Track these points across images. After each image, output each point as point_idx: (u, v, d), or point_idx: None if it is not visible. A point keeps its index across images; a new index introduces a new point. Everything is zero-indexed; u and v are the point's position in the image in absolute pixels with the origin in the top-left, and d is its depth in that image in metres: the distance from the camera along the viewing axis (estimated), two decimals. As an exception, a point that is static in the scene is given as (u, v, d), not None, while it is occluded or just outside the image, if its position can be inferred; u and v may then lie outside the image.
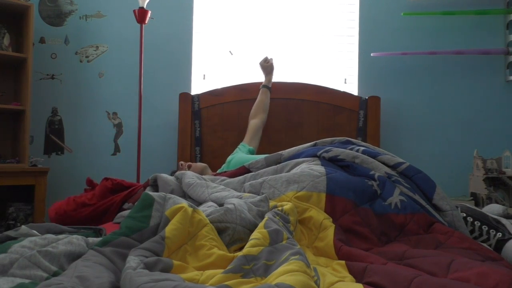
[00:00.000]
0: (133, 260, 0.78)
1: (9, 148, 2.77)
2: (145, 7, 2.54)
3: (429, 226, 1.21)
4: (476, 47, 2.96)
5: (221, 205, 1.20)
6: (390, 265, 0.90)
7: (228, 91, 2.80)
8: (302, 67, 3.02)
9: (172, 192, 1.45)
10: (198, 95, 2.79)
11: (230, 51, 3.00)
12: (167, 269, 0.81)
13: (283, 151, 1.63)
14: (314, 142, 1.65)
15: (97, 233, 1.11)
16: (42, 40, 2.90)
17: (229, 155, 2.37)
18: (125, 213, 1.50)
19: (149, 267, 0.79)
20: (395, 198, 1.25)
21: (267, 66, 2.65)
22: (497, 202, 2.31)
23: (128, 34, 2.93)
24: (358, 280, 0.86)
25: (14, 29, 2.74)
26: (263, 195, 1.23)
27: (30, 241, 0.83)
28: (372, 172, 1.36)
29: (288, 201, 1.22)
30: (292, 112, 2.79)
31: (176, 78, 2.95)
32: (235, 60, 3.01)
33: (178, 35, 2.97)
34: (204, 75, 3.01)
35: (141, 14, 2.53)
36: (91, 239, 0.94)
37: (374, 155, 1.44)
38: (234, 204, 1.09)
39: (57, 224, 1.58)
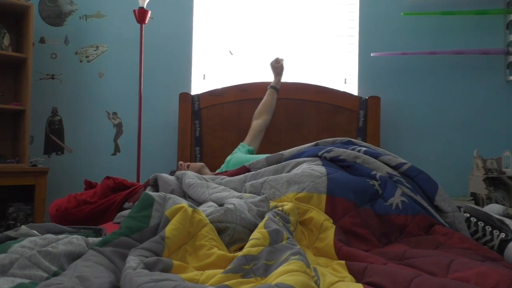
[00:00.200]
0: (133, 260, 0.78)
1: (9, 148, 2.77)
2: (145, 7, 2.54)
3: (429, 227, 1.20)
4: (476, 47, 2.96)
5: (221, 205, 1.20)
6: (390, 265, 0.90)
7: (228, 91, 2.80)
8: (302, 67, 3.02)
9: (172, 192, 1.45)
10: (198, 95, 2.79)
11: (230, 51, 3.00)
12: (167, 269, 0.81)
13: (284, 151, 1.63)
14: (315, 142, 1.65)
15: (97, 233, 1.11)
16: (42, 40, 2.90)
17: (229, 155, 2.37)
18: (125, 213, 1.50)
19: (149, 267, 0.79)
20: (397, 198, 1.25)
21: (277, 67, 2.60)
22: (497, 202, 2.31)
23: (128, 34, 2.93)
24: (358, 280, 0.86)
25: (14, 29, 2.74)
26: (264, 195, 1.23)
27: (30, 241, 0.83)
28: (373, 172, 1.36)
29: (289, 202, 1.22)
30: (292, 112, 2.79)
31: (176, 78, 2.95)
32: (235, 60, 3.01)
33: (178, 35, 2.97)
34: (204, 75, 3.01)
35: (141, 14, 2.53)
36: (91, 239, 0.94)
37: (376, 156, 1.44)
38: (234, 204, 1.09)
39: (57, 221, 1.59)
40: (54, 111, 2.90)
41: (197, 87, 2.99)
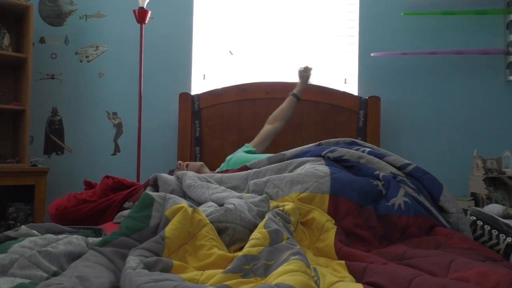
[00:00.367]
0: (133, 260, 0.78)
1: (9, 148, 2.77)
2: (145, 7, 2.54)
3: (430, 229, 1.20)
4: (476, 47, 2.96)
5: (221, 205, 1.20)
6: (390, 265, 0.90)
7: (228, 91, 2.80)
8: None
9: (172, 192, 1.44)
10: (198, 95, 2.79)
11: (230, 51, 3.00)
12: (167, 269, 0.81)
13: (286, 151, 1.62)
14: (318, 142, 1.64)
15: (97, 233, 1.11)
16: (42, 40, 2.90)
17: (229, 155, 2.36)
18: (125, 212, 1.50)
19: (149, 267, 0.79)
20: (399, 199, 1.24)
21: (304, 76, 2.48)
22: (497, 202, 2.31)
23: (128, 34, 2.93)
24: (358, 280, 0.86)
25: (14, 29, 2.74)
26: (264, 195, 1.23)
27: (30, 241, 0.83)
28: (376, 172, 1.35)
29: (291, 202, 1.22)
30: (292, 112, 2.79)
31: (176, 78, 2.95)
32: (235, 60, 3.01)
33: (178, 35, 2.97)
34: (204, 75, 3.01)
35: (141, 14, 2.53)
36: (91, 239, 0.94)
37: (380, 156, 1.43)
38: (234, 204, 1.09)
39: (57, 220, 1.59)
40: (54, 111, 2.90)
41: (197, 87, 2.99)
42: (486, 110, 2.99)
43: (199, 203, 1.33)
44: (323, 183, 1.26)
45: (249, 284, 0.74)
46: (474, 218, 1.28)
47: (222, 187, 1.41)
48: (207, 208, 1.14)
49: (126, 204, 1.63)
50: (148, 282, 0.68)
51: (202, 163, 2.08)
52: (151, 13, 2.60)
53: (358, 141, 1.60)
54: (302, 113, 2.79)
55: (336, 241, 1.07)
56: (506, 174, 2.42)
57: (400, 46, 2.98)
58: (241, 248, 0.96)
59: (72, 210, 1.63)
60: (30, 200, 2.61)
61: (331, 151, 1.48)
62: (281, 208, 1.12)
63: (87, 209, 1.63)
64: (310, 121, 2.79)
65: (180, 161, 2.07)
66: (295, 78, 2.93)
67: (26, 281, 0.71)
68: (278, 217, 1.03)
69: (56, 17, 2.93)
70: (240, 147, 2.39)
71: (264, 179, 1.36)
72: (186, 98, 2.77)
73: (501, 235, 1.19)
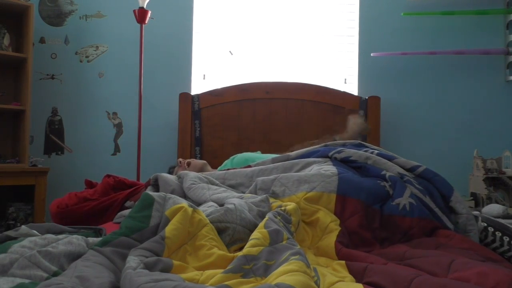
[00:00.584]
0: (133, 260, 0.78)
1: (9, 148, 2.77)
2: (145, 7, 2.54)
3: (432, 231, 1.20)
4: (476, 47, 2.96)
5: (221, 205, 1.20)
6: (390, 265, 0.90)
7: (228, 91, 2.80)
8: (302, 67, 3.02)
9: (173, 192, 1.43)
10: (198, 95, 2.79)
11: (230, 51, 3.00)
12: (167, 269, 0.81)
13: (291, 152, 1.62)
14: (324, 143, 1.63)
15: (97, 233, 1.11)
16: (42, 40, 2.90)
17: (229, 155, 2.36)
18: (125, 212, 1.50)
19: (149, 267, 0.79)
20: (404, 199, 1.23)
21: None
22: (497, 202, 2.31)
23: (128, 34, 2.93)
24: (358, 280, 0.86)
25: (14, 29, 2.74)
26: (264, 195, 1.23)
27: (30, 241, 0.83)
28: (383, 172, 1.35)
29: (298, 202, 1.21)
30: (292, 112, 2.79)
31: (176, 78, 2.95)
32: (235, 60, 3.01)
33: (178, 35, 2.97)
34: (204, 75, 3.01)
35: (141, 14, 2.53)
36: (91, 239, 0.94)
37: (389, 158, 1.43)
38: (234, 204, 1.09)
39: (59, 219, 1.59)
40: (54, 111, 2.90)
41: (197, 87, 2.98)
42: (486, 110, 2.99)
43: (199, 204, 1.33)
44: (330, 183, 1.26)
45: (249, 284, 0.74)
46: (485, 224, 1.28)
47: (223, 188, 1.40)
48: (207, 208, 1.14)
49: (127, 203, 1.63)
50: (148, 282, 0.68)
51: (205, 161, 2.05)
52: (151, 13, 2.60)
53: (366, 143, 1.59)
54: (302, 113, 2.79)
55: (336, 242, 1.07)
56: (506, 174, 2.42)
57: (400, 46, 2.98)
58: (241, 248, 0.96)
59: (74, 208, 1.62)
60: (30, 200, 2.61)
61: (338, 152, 1.47)
62: (282, 208, 1.12)
63: (89, 207, 1.63)
64: (310, 121, 2.79)
65: (180, 159, 2.05)
66: (295, 78, 2.94)
67: (26, 281, 0.71)
68: (279, 217, 1.03)
69: (56, 17, 2.93)
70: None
71: (272, 177, 1.35)
72: (186, 98, 2.77)
73: None
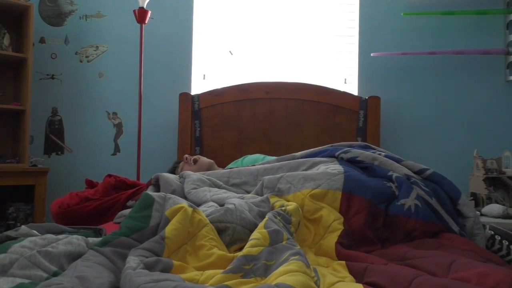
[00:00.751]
0: (133, 260, 0.78)
1: (9, 148, 2.77)
2: (145, 7, 2.54)
3: (435, 234, 1.20)
4: (476, 47, 2.96)
5: (222, 205, 1.20)
6: (391, 265, 0.90)
7: (228, 91, 2.80)
8: (302, 67, 3.02)
9: (173, 192, 1.43)
10: (198, 95, 2.79)
11: (230, 51, 3.00)
12: (167, 269, 0.81)
13: (296, 153, 1.62)
14: (330, 144, 1.63)
15: (97, 233, 1.11)
16: (42, 40, 2.90)
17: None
18: (126, 212, 1.50)
19: (149, 267, 0.79)
20: (410, 201, 1.23)
21: None
22: (497, 202, 2.30)
23: (128, 34, 2.93)
24: (358, 280, 0.86)
25: (14, 29, 2.74)
26: (265, 195, 1.23)
27: (30, 241, 0.83)
28: (390, 173, 1.35)
29: (303, 198, 1.22)
30: (292, 112, 2.79)
31: (176, 78, 2.95)
32: (235, 60, 3.01)
33: (178, 35, 2.97)
34: (204, 75, 3.01)
35: (141, 14, 2.53)
36: (91, 239, 0.94)
37: (396, 161, 1.43)
38: (234, 204, 1.09)
39: (60, 219, 1.59)
40: (54, 111, 2.90)
41: (197, 87, 2.98)
42: (486, 110, 2.99)
43: (199, 204, 1.33)
44: (336, 180, 1.26)
45: (249, 284, 0.74)
46: (492, 232, 1.28)
47: (223, 190, 1.40)
48: (207, 208, 1.14)
49: (129, 203, 1.63)
50: (148, 282, 0.68)
51: (212, 161, 2.02)
52: (151, 13, 2.60)
53: (373, 146, 1.59)
54: (302, 113, 2.79)
55: (336, 244, 1.07)
56: (506, 174, 2.42)
57: (400, 46, 2.98)
58: (241, 248, 0.96)
59: (76, 208, 1.62)
60: (30, 200, 2.61)
61: (345, 152, 1.47)
62: (283, 208, 1.12)
63: (91, 207, 1.62)
64: (310, 121, 2.79)
65: (187, 155, 2.00)
66: (295, 78, 2.94)
67: (26, 281, 0.71)
68: (279, 218, 1.03)
69: (56, 17, 2.93)
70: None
71: (278, 175, 1.35)
72: (186, 98, 2.77)
73: None
